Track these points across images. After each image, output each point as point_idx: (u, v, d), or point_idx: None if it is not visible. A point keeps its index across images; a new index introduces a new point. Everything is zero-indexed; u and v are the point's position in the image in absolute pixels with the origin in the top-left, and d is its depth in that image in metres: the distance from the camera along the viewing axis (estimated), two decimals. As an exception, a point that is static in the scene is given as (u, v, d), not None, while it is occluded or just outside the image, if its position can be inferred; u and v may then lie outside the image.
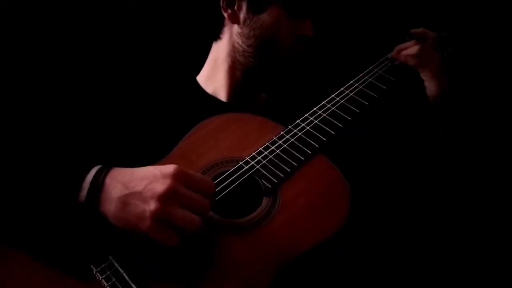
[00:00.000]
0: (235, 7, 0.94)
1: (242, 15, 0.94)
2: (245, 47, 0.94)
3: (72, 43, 1.18)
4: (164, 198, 0.59)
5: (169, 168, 0.62)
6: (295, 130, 0.81)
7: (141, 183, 0.61)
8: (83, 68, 1.17)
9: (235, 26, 0.95)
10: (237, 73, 0.97)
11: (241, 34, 0.94)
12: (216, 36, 1.00)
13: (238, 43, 0.95)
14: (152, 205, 0.59)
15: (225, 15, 0.96)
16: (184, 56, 1.15)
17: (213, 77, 1.00)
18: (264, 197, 0.72)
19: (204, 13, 1.01)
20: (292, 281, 0.67)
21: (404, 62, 0.94)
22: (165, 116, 0.90)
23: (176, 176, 0.61)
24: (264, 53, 0.94)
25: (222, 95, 0.99)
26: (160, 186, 0.60)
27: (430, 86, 0.93)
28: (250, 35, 0.93)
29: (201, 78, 1.03)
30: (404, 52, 0.95)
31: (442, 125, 0.89)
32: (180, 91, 0.99)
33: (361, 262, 0.90)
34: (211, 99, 0.99)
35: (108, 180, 0.63)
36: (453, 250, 0.98)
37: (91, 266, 0.61)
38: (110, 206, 0.61)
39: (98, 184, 0.63)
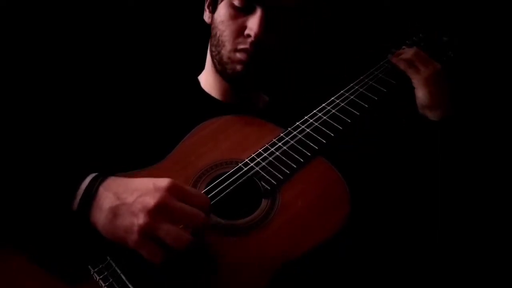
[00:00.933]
0: (211, 8, 0.94)
1: (208, 15, 0.95)
2: (211, 46, 0.94)
3: (72, 43, 1.18)
4: (153, 212, 0.57)
5: (163, 181, 0.60)
6: (294, 132, 0.81)
7: (132, 195, 0.59)
8: (84, 67, 1.17)
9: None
10: (218, 74, 0.95)
11: (210, 35, 0.94)
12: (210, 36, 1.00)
13: (210, 43, 0.95)
14: (140, 219, 0.57)
15: (204, 16, 0.97)
16: (185, 56, 1.15)
17: (208, 77, 1.00)
18: (263, 199, 0.72)
19: (202, 11, 1.01)
20: (291, 282, 0.66)
21: (396, 64, 0.93)
22: (165, 116, 0.90)
23: (169, 190, 0.59)
24: (218, 53, 0.90)
25: (220, 95, 0.99)
26: (151, 200, 0.58)
27: (418, 93, 0.89)
28: (212, 35, 0.92)
29: (202, 77, 1.03)
30: (400, 56, 0.94)
31: (438, 130, 0.89)
32: (181, 90, 0.99)
33: (360, 263, 0.90)
34: (211, 100, 0.98)
35: (101, 189, 0.62)
36: (453, 250, 0.98)
37: (89, 266, 0.61)
38: (100, 216, 0.60)
39: (91, 193, 0.61)
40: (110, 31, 1.20)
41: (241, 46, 0.87)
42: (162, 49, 1.24)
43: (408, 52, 0.93)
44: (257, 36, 0.83)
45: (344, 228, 0.68)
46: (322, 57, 1.24)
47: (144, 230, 0.57)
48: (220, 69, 0.92)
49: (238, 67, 0.88)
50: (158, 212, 0.58)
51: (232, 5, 0.86)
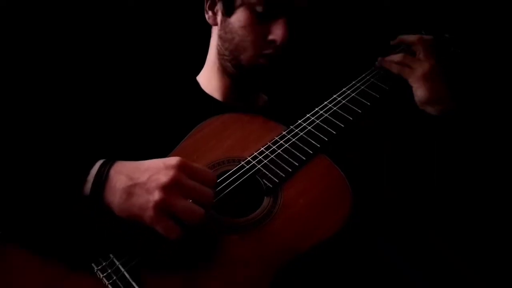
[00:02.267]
0: (215, 9, 0.94)
1: (219, 18, 0.93)
2: (223, 50, 0.93)
3: (73, 42, 1.18)
4: (168, 188, 0.60)
5: (173, 160, 0.63)
6: (296, 130, 0.81)
7: (145, 174, 0.62)
8: (83, 68, 1.17)
9: (216, 28, 0.94)
10: (225, 76, 0.97)
11: (220, 37, 0.93)
12: (209, 36, 1.00)
13: (219, 45, 0.94)
14: (155, 196, 0.59)
15: (206, 17, 0.96)
16: (184, 56, 1.15)
17: (209, 78, 1.00)
18: (265, 197, 0.72)
19: (201, 11, 1.01)
20: (293, 280, 0.67)
21: (389, 69, 0.92)
22: (165, 116, 0.90)
23: (179, 167, 0.62)
24: (236, 58, 0.90)
25: (218, 96, 0.99)
26: (164, 177, 0.60)
27: (416, 91, 0.89)
28: (225, 38, 0.91)
29: (200, 78, 1.03)
30: (388, 59, 0.93)
31: (437, 129, 0.89)
32: (180, 91, 0.99)
33: (362, 261, 0.90)
34: (211, 100, 0.99)
35: (112, 172, 0.63)
36: (453, 249, 0.98)
37: (92, 264, 0.61)
38: (114, 197, 0.62)
39: (103, 176, 0.63)
40: (109, 32, 1.20)
41: (265, 52, 0.87)
42: (161, 50, 1.23)
43: (397, 55, 0.93)
44: (283, 41, 0.85)
45: (346, 226, 0.68)
46: (322, 56, 1.24)
47: (160, 206, 0.59)
48: (235, 72, 0.92)
49: (260, 71, 0.89)
50: (171, 188, 0.60)
51: (254, 11, 0.86)
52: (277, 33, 0.85)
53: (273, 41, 0.86)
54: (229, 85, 0.97)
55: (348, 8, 1.27)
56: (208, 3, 0.95)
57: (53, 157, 0.69)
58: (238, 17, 0.88)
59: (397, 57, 0.92)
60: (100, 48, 1.20)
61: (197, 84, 1.02)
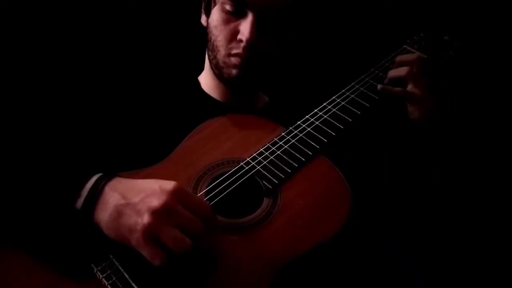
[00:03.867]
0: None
1: (205, 19, 0.95)
2: (208, 51, 0.94)
3: (73, 43, 1.18)
4: (158, 213, 0.58)
5: (169, 184, 0.61)
6: (296, 131, 0.82)
7: (138, 195, 0.60)
8: (84, 68, 1.17)
9: None
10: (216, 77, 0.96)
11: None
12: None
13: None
14: (144, 219, 0.58)
15: (201, 19, 0.97)
16: (185, 56, 1.16)
17: (208, 78, 1.00)
18: (264, 198, 0.73)
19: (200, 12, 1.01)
20: (293, 281, 0.67)
21: (388, 91, 0.88)
22: (166, 116, 0.90)
23: (174, 193, 0.60)
24: (214, 58, 0.91)
25: (220, 96, 0.99)
26: (156, 201, 0.59)
27: (413, 112, 0.86)
28: (208, 39, 0.92)
29: (201, 79, 1.04)
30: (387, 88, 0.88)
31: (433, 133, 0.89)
32: (182, 91, 0.99)
33: (362, 262, 0.90)
34: (212, 100, 0.99)
35: (107, 189, 0.62)
36: (453, 249, 0.98)
37: (92, 265, 0.62)
38: (105, 214, 0.61)
39: (97, 191, 0.62)
40: (110, 32, 1.20)
41: (234, 51, 0.87)
42: (162, 50, 1.23)
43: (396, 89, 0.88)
44: (249, 40, 0.83)
45: (345, 227, 0.69)
46: (322, 57, 1.24)
47: (148, 230, 0.58)
48: (217, 72, 0.92)
49: (234, 71, 0.88)
50: (162, 214, 0.58)
51: (224, 10, 0.86)
52: (242, 31, 0.84)
53: (240, 40, 0.85)
54: (223, 86, 0.97)
55: (348, 9, 1.27)
56: (203, 5, 0.96)
57: (51, 164, 0.68)
58: (212, 17, 0.89)
59: (397, 89, 0.88)
60: (100, 49, 1.20)
61: (198, 85, 1.02)
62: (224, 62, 0.89)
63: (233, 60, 0.87)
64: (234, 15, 0.85)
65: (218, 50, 0.89)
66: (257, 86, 1.02)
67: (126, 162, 0.74)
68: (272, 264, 0.64)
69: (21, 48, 1.14)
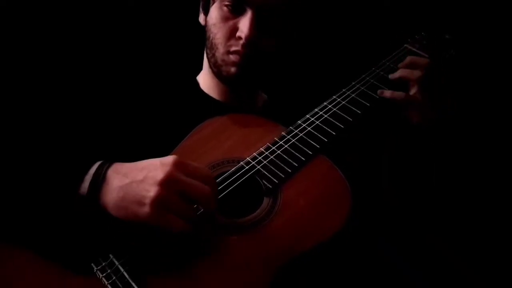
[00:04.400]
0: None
1: (203, 17, 0.95)
2: (206, 49, 0.94)
3: (73, 43, 1.18)
4: (165, 184, 0.60)
5: (169, 158, 0.63)
6: (296, 131, 0.81)
7: (142, 173, 0.62)
8: (83, 68, 1.17)
9: None
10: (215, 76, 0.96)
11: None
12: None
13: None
14: (152, 192, 0.59)
15: (199, 18, 0.97)
16: (184, 56, 1.16)
17: (207, 78, 1.00)
18: (264, 197, 0.72)
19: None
20: (293, 281, 0.67)
21: (391, 97, 0.86)
22: (165, 116, 0.90)
23: (176, 164, 0.62)
24: (213, 56, 0.91)
25: (220, 95, 0.99)
26: (160, 173, 0.61)
27: (414, 117, 0.86)
28: (206, 38, 0.93)
29: (200, 78, 1.03)
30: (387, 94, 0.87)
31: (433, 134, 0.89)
32: (180, 91, 0.99)
33: (362, 261, 0.90)
34: (211, 100, 0.99)
35: (110, 172, 0.64)
36: (453, 249, 0.98)
37: (92, 264, 0.62)
38: (111, 196, 0.62)
39: (100, 176, 0.63)
40: (109, 32, 1.20)
41: (233, 48, 0.87)
42: (161, 50, 1.24)
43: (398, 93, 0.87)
44: (248, 38, 0.83)
45: (346, 226, 0.68)
46: (322, 56, 1.24)
47: (157, 201, 0.59)
48: (216, 71, 0.92)
49: (232, 69, 0.88)
50: (168, 183, 0.60)
51: (223, 7, 0.86)
52: (241, 28, 0.84)
53: (239, 37, 0.85)
54: (222, 85, 0.97)
55: (348, 8, 1.27)
56: (201, 4, 0.96)
57: (52, 157, 0.69)
58: (211, 15, 0.90)
59: (398, 94, 0.87)
60: (99, 49, 1.20)
61: (197, 84, 1.02)
62: (223, 60, 0.89)
63: (232, 57, 0.87)
64: (233, 13, 0.86)
65: (217, 48, 0.89)
66: (257, 85, 1.01)
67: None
68: (272, 263, 0.64)
69: (23, 45, 1.14)
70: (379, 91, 0.87)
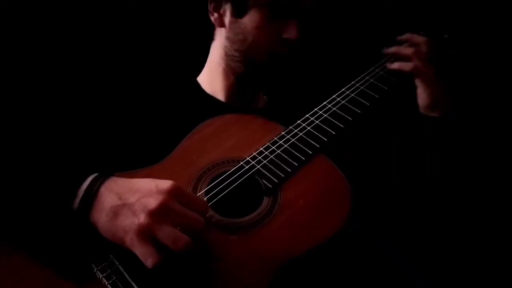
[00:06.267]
0: (221, 11, 0.94)
1: (226, 20, 0.94)
2: (232, 51, 0.94)
3: (72, 43, 1.18)
4: (154, 213, 0.58)
5: (166, 183, 0.61)
6: (296, 130, 0.81)
7: (134, 196, 0.60)
8: (84, 68, 1.17)
9: (223, 30, 0.95)
10: (231, 76, 0.97)
11: (228, 38, 0.94)
12: (211, 38, 1.00)
13: (227, 47, 0.95)
14: (141, 219, 0.57)
15: (212, 19, 0.96)
16: (184, 57, 1.16)
17: (212, 78, 1.01)
18: (264, 197, 0.72)
19: (200, 14, 1.01)
20: (293, 281, 0.67)
21: (399, 69, 0.91)
22: (166, 116, 0.90)
23: (171, 193, 0.60)
24: (248, 58, 0.92)
25: (221, 95, 0.99)
26: (153, 201, 0.58)
27: (422, 94, 0.90)
28: (235, 40, 0.92)
29: (201, 79, 1.04)
30: (397, 62, 0.92)
31: (439, 128, 0.89)
32: (181, 91, 0.99)
33: (363, 262, 0.90)
34: (212, 100, 0.99)
35: (102, 189, 0.62)
36: (453, 249, 0.98)
37: (92, 264, 0.61)
38: (101, 215, 0.60)
39: (92, 192, 0.62)
40: (109, 33, 1.20)
41: (279, 50, 0.90)
42: (161, 51, 1.24)
43: (407, 50, 0.92)
44: (296, 41, 0.88)
45: (345, 227, 0.68)
46: (322, 56, 1.24)
47: (143, 229, 0.57)
48: (244, 72, 0.94)
49: (273, 69, 0.92)
50: (159, 213, 0.58)
51: (266, 12, 0.88)
52: (291, 32, 0.88)
53: (287, 39, 0.89)
54: (233, 85, 0.98)
55: (348, 8, 1.27)
56: (212, 5, 0.95)
57: (48, 163, 0.68)
58: (251, 18, 0.89)
59: (407, 51, 0.92)
60: (100, 50, 1.20)
61: (198, 85, 1.02)
62: (264, 61, 0.91)
63: (276, 59, 0.91)
64: (277, 17, 0.89)
65: (258, 50, 0.90)
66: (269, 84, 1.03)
67: (126, 162, 0.74)
68: (271, 263, 0.64)
69: (21, 48, 1.14)
70: (389, 64, 0.91)
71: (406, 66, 0.90)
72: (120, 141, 0.85)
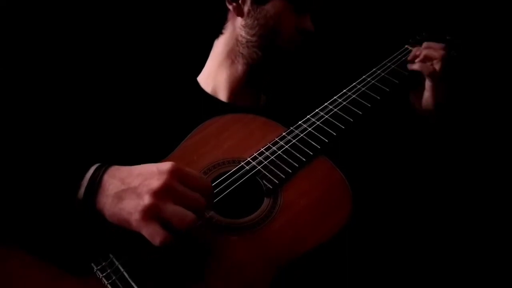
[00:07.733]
0: (240, 1, 0.97)
1: (246, 7, 0.97)
2: (249, 37, 0.97)
3: (73, 43, 1.18)
4: (158, 193, 0.59)
5: (166, 165, 0.62)
6: (296, 131, 0.81)
7: (137, 179, 0.61)
8: (84, 68, 1.17)
9: (239, 19, 0.98)
10: (239, 69, 0.99)
11: (244, 26, 0.97)
12: (219, 33, 1.01)
13: (241, 35, 0.97)
14: (145, 200, 0.58)
15: (230, 7, 0.98)
16: (184, 57, 1.16)
17: (214, 76, 1.01)
18: (265, 198, 0.72)
19: (207, 11, 1.02)
20: (293, 281, 0.67)
21: (420, 69, 0.92)
22: (166, 116, 0.90)
23: (173, 173, 0.61)
24: (266, 42, 0.96)
25: (222, 95, 0.99)
26: (156, 182, 0.59)
27: (427, 94, 0.91)
28: (254, 25, 0.96)
29: (201, 79, 1.04)
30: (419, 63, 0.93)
31: (438, 130, 0.89)
32: (181, 91, 0.99)
33: (362, 263, 0.90)
34: (212, 100, 0.99)
35: (106, 177, 0.63)
36: (454, 251, 0.98)
37: (92, 264, 0.62)
38: (106, 201, 0.61)
39: (96, 181, 0.62)
40: (110, 31, 1.20)
41: (294, 39, 0.97)
42: (161, 51, 1.24)
43: (438, 53, 0.92)
44: (311, 33, 0.98)
45: (346, 228, 0.68)
46: (323, 57, 1.24)
47: (148, 210, 0.58)
48: (260, 55, 0.97)
49: (287, 55, 0.98)
50: (162, 193, 0.59)
51: (287, 3, 0.96)
52: (309, 24, 0.98)
53: (304, 29, 0.97)
54: (238, 81, 0.99)
55: (350, 10, 1.27)
56: None
57: (49, 159, 0.68)
58: (274, 5, 0.96)
59: (426, 65, 0.92)
60: (100, 48, 1.20)
61: (197, 85, 1.02)
62: (280, 47, 0.97)
63: (290, 46, 0.97)
64: (295, 11, 0.97)
65: (279, 34, 0.96)
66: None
67: (126, 163, 0.74)
68: (272, 264, 0.64)
69: (23, 45, 1.14)
70: (408, 65, 0.94)
71: (428, 68, 0.91)
72: (121, 141, 0.85)
